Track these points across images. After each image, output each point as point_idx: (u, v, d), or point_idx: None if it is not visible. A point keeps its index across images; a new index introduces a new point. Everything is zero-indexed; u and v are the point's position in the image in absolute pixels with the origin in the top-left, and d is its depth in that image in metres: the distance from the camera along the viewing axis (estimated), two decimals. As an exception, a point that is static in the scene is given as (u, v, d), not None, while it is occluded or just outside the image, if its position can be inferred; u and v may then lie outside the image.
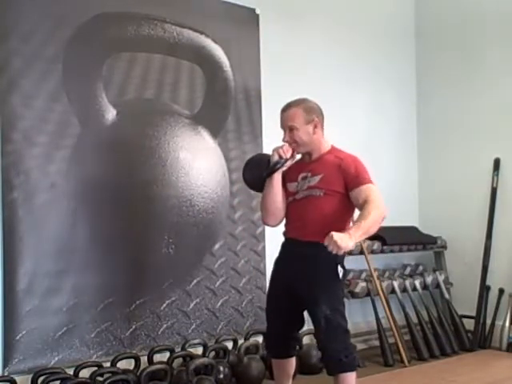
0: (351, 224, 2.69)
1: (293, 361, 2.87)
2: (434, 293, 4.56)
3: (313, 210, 2.65)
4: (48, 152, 3.22)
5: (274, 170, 2.70)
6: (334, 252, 2.38)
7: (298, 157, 2.81)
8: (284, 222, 2.82)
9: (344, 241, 2.37)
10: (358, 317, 4.47)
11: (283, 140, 2.74)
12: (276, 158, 2.70)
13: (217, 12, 3.90)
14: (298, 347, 3.00)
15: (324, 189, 2.64)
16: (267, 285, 2.91)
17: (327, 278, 2.63)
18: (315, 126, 2.72)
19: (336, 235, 2.37)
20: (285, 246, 2.82)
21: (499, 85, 4.57)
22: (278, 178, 2.74)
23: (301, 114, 2.71)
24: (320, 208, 2.63)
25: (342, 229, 2.54)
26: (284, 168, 2.74)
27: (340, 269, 2.64)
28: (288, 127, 2.71)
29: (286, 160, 2.71)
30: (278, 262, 2.82)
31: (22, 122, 3.15)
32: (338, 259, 2.65)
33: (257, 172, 2.80)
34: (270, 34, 4.13)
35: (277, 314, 2.78)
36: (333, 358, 2.59)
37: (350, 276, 4.29)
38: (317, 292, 2.61)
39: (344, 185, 2.64)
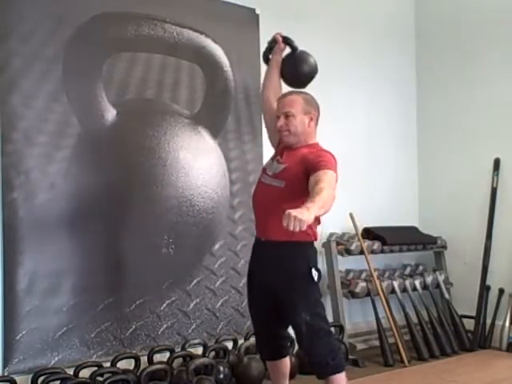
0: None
1: (286, 361, 2.85)
2: (434, 293, 4.56)
3: (272, 204, 2.57)
4: (48, 152, 3.22)
5: (264, 54, 3.08)
6: (297, 229, 2.15)
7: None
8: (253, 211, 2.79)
9: (303, 213, 2.16)
10: (358, 317, 4.47)
11: (277, 124, 2.69)
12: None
13: (217, 12, 3.89)
14: (290, 345, 2.99)
15: (284, 180, 2.59)
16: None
17: (302, 283, 2.58)
18: (311, 119, 2.69)
19: (293, 211, 2.16)
20: (255, 247, 2.79)
21: (499, 85, 4.57)
22: (275, 59, 3.02)
23: (300, 102, 2.67)
24: (279, 202, 2.51)
25: (310, 232, 2.54)
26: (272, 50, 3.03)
27: (314, 272, 2.60)
28: (285, 113, 2.66)
29: (274, 40, 3.03)
30: (251, 264, 2.79)
31: (22, 121, 3.15)
32: (311, 262, 2.62)
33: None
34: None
35: (260, 317, 2.77)
36: (319, 362, 2.57)
37: (350, 276, 4.29)
38: (294, 298, 2.58)
39: (304, 175, 2.52)
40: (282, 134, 2.69)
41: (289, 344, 2.92)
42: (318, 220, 2.53)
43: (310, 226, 2.45)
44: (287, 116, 2.66)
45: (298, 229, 2.16)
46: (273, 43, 3.05)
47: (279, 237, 2.53)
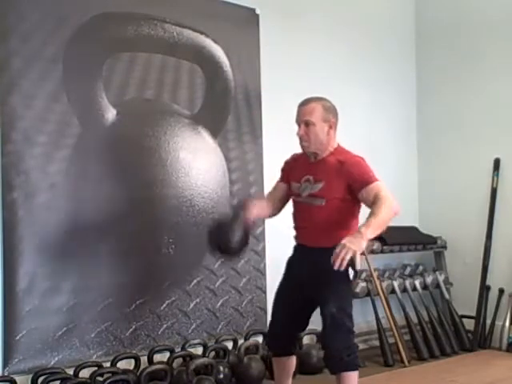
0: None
1: (293, 359, 2.87)
2: (434, 293, 4.56)
3: (317, 218, 2.65)
4: (48, 152, 3.22)
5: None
6: (349, 256, 2.32)
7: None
8: (293, 224, 2.81)
9: (355, 243, 2.34)
10: (357, 317, 4.40)
11: (297, 133, 2.68)
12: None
13: (217, 12, 3.89)
14: (297, 346, 3.01)
15: (325, 197, 2.63)
16: (267, 285, 2.91)
17: (337, 280, 2.61)
18: (330, 127, 2.68)
19: (345, 240, 2.34)
20: (296, 250, 2.84)
21: (499, 85, 4.57)
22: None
23: (320, 110, 2.66)
24: (323, 217, 2.63)
25: (347, 234, 2.54)
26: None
27: (351, 271, 2.63)
28: (305, 121, 2.66)
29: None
30: (291, 264, 2.83)
31: (22, 122, 3.14)
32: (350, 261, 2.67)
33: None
34: (270, 34, 4.13)
35: (284, 313, 2.78)
36: (335, 356, 2.59)
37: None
38: (327, 292, 2.63)
39: (346, 189, 2.61)
40: (302, 143, 2.70)
41: (297, 345, 2.94)
42: (356, 226, 2.65)
43: (351, 231, 2.58)
44: (307, 124, 2.66)
45: (350, 256, 2.32)
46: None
47: (321, 245, 2.60)
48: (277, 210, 2.89)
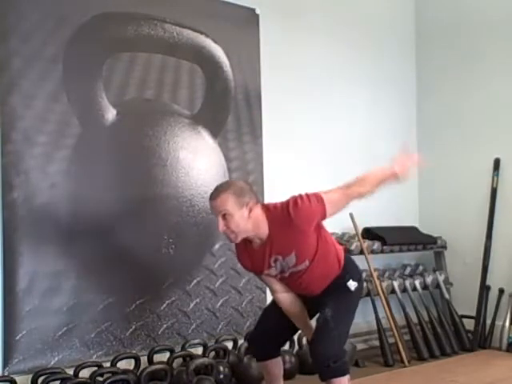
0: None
1: (279, 361, 2.86)
2: (434, 293, 4.56)
3: (309, 275, 2.62)
4: (48, 152, 3.22)
5: None
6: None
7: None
8: None
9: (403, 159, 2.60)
10: (358, 317, 4.38)
11: (218, 228, 2.49)
12: None
13: (217, 12, 3.89)
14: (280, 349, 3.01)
15: (305, 258, 2.57)
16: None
17: (338, 290, 2.64)
18: (250, 210, 2.48)
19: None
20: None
21: (499, 84, 4.57)
22: None
23: (231, 199, 2.45)
24: (314, 271, 2.60)
25: (339, 260, 2.64)
26: None
27: (353, 282, 2.65)
28: (221, 214, 2.47)
29: None
30: None
31: (22, 122, 3.14)
32: (349, 273, 2.69)
33: None
34: (270, 34, 4.13)
35: (273, 325, 2.77)
36: (321, 363, 2.56)
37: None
38: (327, 299, 2.64)
39: (311, 231, 2.53)
40: (229, 237, 2.54)
41: (281, 347, 2.94)
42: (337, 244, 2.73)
43: (338, 253, 2.67)
44: (224, 216, 2.47)
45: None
46: None
47: (323, 287, 2.66)
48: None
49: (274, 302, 2.81)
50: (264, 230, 2.52)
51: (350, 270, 2.72)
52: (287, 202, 2.50)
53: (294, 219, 2.45)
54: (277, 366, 2.85)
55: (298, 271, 2.59)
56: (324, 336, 2.57)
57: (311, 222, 2.50)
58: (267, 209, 2.55)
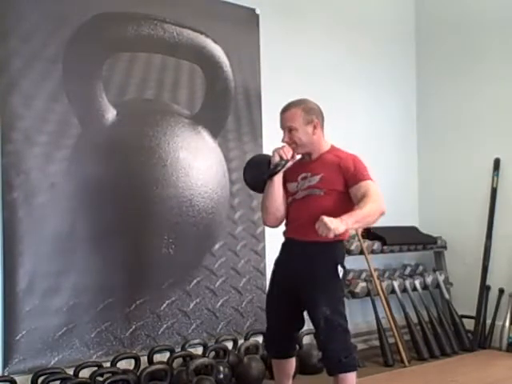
0: None
1: (293, 361, 2.87)
2: (434, 293, 4.56)
3: (313, 208, 2.64)
4: (48, 152, 3.22)
5: (275, 172, 2.71)
6: (324, 235, 2.40)
7: (298, 157, 2.81)
8: (284, 222, 2.82)
9: (334, 223, 2.39)
10: (358, 317, 4.47)
11: (282, 141, 2.73)
12: (277, 159, 2.70)
13: (217, 12, 3.89)
14: (297, 347, 3.00)
15: (324, 188, 2.65)
16: (267, 285, 2.91)
17: (327, 279, 2.63)
18: (315, 127, 2.71)
19: (326, 218, 2.40)
20: (285, 246, 2.82)
21: (499, 85, 4.57)
22: (278, 179, 2.74)
23: (300, 114, 2.70)
24: (320, 207, 2.62)
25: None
26: (284, 169, 2.73)
27: (340, 268, 2.65)
28: (287, 128, 2.71)
29: (287, 161, 2.71)
30: (279, 263, 2.82)
31: (22, 121, 3.15)
32: (338, 259, 2.67)
33: (257, 173, 2.79)
34: (270, 34, 4.13)
35: (277, 315, 2.78)
36: (332, 358, 2.59)
37: (350, 276, 4.28)
38: (316, 293, 2.62)
39: (344, 183, 2.65)
40: (291, 147, 2.72)
41: (297, 346, 2.93)
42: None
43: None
44: (290, 130, 2.71)
45: (324, 235, 2.41)
46: (283, 162, 2.72)
47: (313, 238, 2.59)
48: (280, 219, 2.82)
49: (268, 298, 2.83)
50: (318, 150, 2.74)
51: (338, 255, 2.71)
52: (351, 155, 2.72)
53: (344, 164, 2.65)
54: (290, 365, 2.86)
55: (311, 195, 2.66)
56: (332, 334, 2.58)
57: (356, 175, 2.62)
58: (334, 146, 2.78)
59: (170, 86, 3.71)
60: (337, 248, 2.71)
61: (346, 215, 2.47)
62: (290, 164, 2.74)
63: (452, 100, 4.89)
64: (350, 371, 2.59)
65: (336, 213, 2.57)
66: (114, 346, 3.39)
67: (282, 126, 2.74)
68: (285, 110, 2.74)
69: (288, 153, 2.70)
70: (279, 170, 2.71)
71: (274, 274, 2.84)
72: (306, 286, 2.64)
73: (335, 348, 2.58)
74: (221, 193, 3.84)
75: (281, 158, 2.69)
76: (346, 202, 2.66)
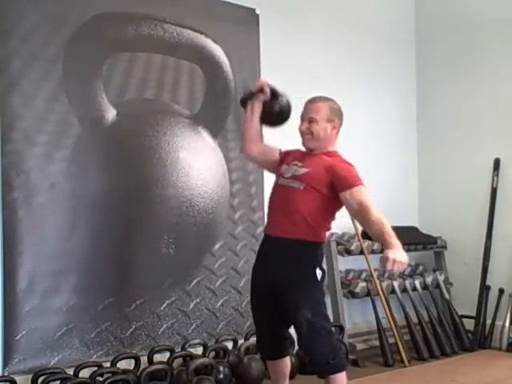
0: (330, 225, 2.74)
1: (287, 360, 2.86)
2: (434, 293, 4.56)
3: (291, 203, 2.64)
4: (48, 152, 3.22)
5: (242, 100, 2.93)
6: (402, 270, 2.51)
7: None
8: (267, 211, 2.84)
9: (399, 254, 2.41)
10: (358, 317, 4.47)
11: (300, 128, 2.76)
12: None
13: (217, 12, 3.89)
14: (290, 345, 3.00)
15: (304, 183, 2.64)
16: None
17: (306, 282, 2.62)
18: (333, 127, 2.75)
19: (390, 255, 2.38)
20: (263, 244, 2.82)
21: (499, 85, 4.57)
22: (256, 106, 2.87)
23: (326, 110, 2.73)
24: (298, 203, 2.62)
25: (318, 229, 2.62)
26: (253, 100, 2.87)
27: (319, 271, 2.64)
28: (309, 118, 2.73)
29: (252, 92, 2.85)
30: (258, 262, 2.82)
31: (22, 121, 3.15)
32: (316, 262, 2.67)
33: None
34: (270, 34, 4.13)
35: (262, 317, 2.78)
36: (320, 362, 2.59)
37: (350, 276, 4.29)
38: (297, 296, 2.60)
39: (328, 186, 2.62)
40: (304, 137, 2.76)
41: (289, 344, 2.93)
42: (329, 226, 2.72)
43: (323, 229, 2.67)
44: (311, 122, 2.73)
45: (402, 271, 2.50)
46: (257, 93, 2.87)
47: (289, 235, 2.60)
48: (259, 145, 2.96)
49: (252, 302, 2.82)
50: (321, 148, 2.75)
51: (317, 258, 2.70)
52: (346, 162, 2.73)
53: (335, 167, 2.64)
54: (285, 365, 2.85)
55: (290, 187, 2.67)
56: (316, 338, 2.58)
57: (346, 178, 2.61)
58: (337, 152, 2.79)
59: (170, 85, 3.71)
60: (316, 249, 2.70)
61: (388, 235, 2.47)
62: (263, 97, 2.84)
63: (452, 100, 4.89)
64: (339, 371, 2.59)
65: (311, 213, 2.60)
66: (114, 346, 3.39)
67: (305, 116, 2.76)
68: (312, 101, 2.77)
69: (258, 85, 2.82)
70: (244, 98, 2.89)
71: (253, 275, 2.83)
72: (286, 288, 2.62)
73: (322, 351, 2.58)
74: (221, 193, 3.84)
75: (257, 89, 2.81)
76: (325, 205, 2.63)
